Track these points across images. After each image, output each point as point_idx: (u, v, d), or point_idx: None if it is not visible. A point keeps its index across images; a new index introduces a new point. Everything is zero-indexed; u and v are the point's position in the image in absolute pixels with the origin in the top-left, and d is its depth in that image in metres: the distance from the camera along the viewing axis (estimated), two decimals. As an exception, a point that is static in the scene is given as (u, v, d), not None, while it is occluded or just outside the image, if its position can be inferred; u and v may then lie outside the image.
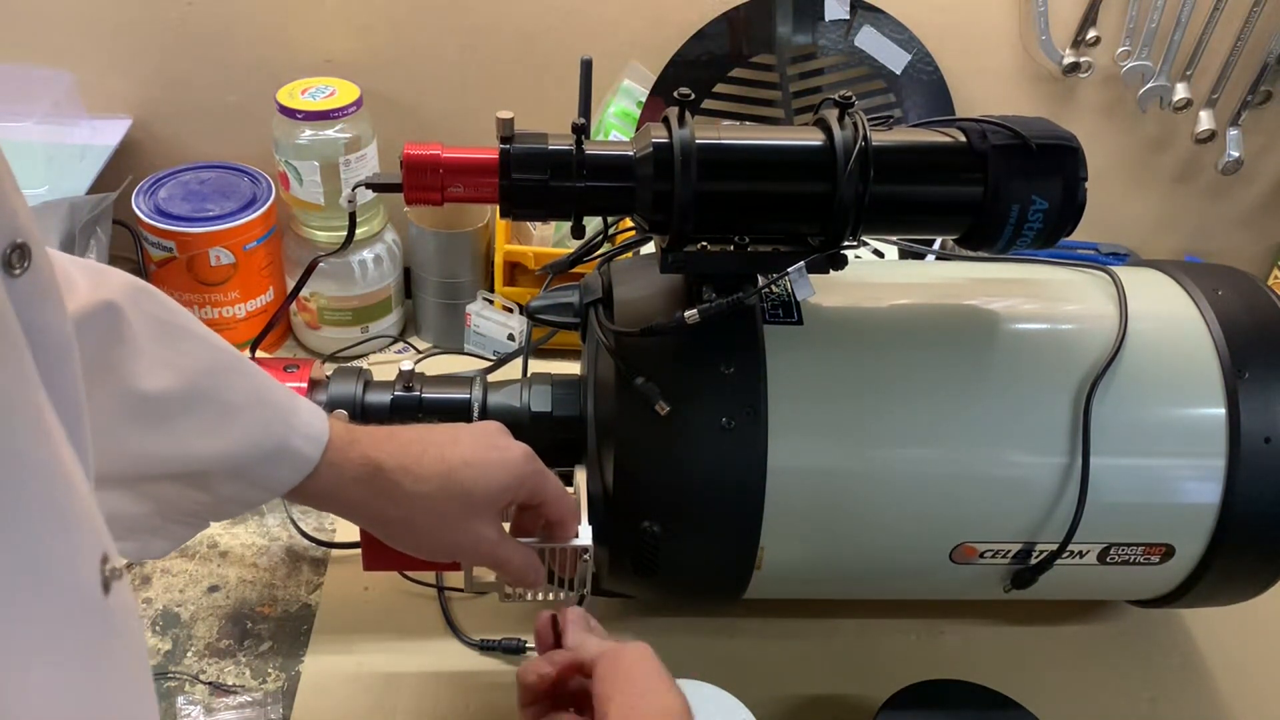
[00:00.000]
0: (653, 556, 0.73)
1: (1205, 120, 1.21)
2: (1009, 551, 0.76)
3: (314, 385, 0.77)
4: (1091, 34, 1.16)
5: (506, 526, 0.71)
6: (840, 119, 0.68)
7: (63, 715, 0.33)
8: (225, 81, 1.16)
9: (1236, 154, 1.22)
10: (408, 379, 0.79)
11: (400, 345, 1.19)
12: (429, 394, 0.78)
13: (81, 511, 0.35)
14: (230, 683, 0.80)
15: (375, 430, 0.64)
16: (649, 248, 0.79)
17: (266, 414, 0.58)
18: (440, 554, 0.66)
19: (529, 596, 0.74)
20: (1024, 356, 0.76)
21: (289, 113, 1.05)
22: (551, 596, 0.74)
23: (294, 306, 1.15)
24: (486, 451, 0.66)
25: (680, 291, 0.74)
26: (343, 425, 0.62)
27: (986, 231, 0.69)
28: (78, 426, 0.37)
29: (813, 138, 0.69)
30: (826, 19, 1.15)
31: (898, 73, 1.17)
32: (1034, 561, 0.76)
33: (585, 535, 0.72)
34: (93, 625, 0.35)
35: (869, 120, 0.68)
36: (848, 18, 1.15)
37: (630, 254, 0.83)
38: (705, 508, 0.72)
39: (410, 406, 0.77)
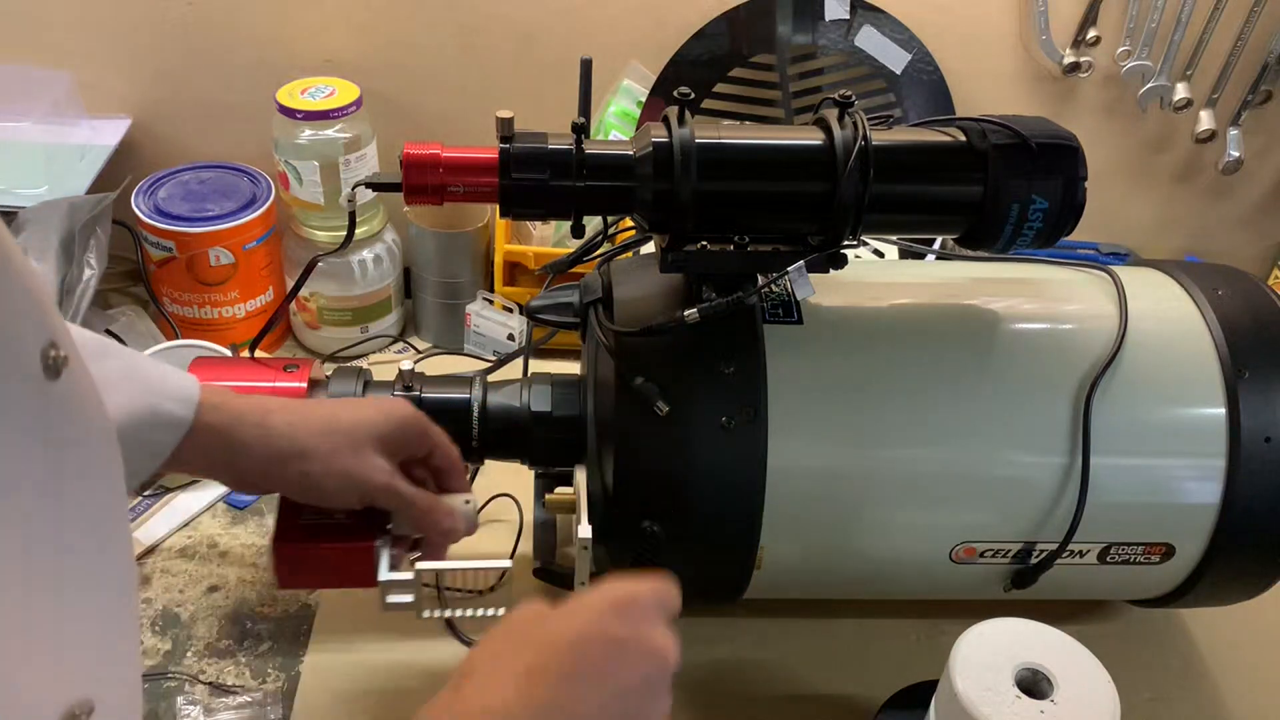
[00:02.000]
0: (653, 556, 0.73)
1: (1205, 120, 1.21)
2: (1009, 551, 0.76)
3: (314, 385, 0.77)
4: (1091, 34, 1.16)
5: None
6: (840, 119, 0.69)
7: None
8: (225, 81, 1.16)
9: (1237, 154, 1.22)
10: (408, 379, 0.79)
11: (400, 345, 1.19)
12: (429, 394, 0.78)
13: (20, 293, 0.35)
14: (230, 683, 0.80)
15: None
16: (649, 247, 0.79)
17: (135, 386, 0.59)
18: (341, 484, 0.64)
19: (452, 614, 0.72)
20: (1024, 356, 0.76)
21: (289, 113, 1.05)
22: (475, 613, 0.72)
23: (294, 306, 1.15)
24: (365, 403, 0.68)
25: (680, 291, 0.74)
26: (219, 387, 0.63)
27: (986, 231, 0.69)
28: None
29: (813, 137, 0.69)
30: (826, 19, 1.15)
31: (898, 73, 1.17)
32: (1034, 561, 0.76)
33: (585, 530, 0.72)
34: (36, 409, 0.35)
35: (869, 120, 0.68)
36: (848, 17, 1.15)
37: (630, 254, 0.82)
38: (705, 508, 0.72)
39: (410, 406, 0.77)
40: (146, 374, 0.60)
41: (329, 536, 0.67)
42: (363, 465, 0.64)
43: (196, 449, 0.61)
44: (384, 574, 0.69)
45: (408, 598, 0.70)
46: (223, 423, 0.62)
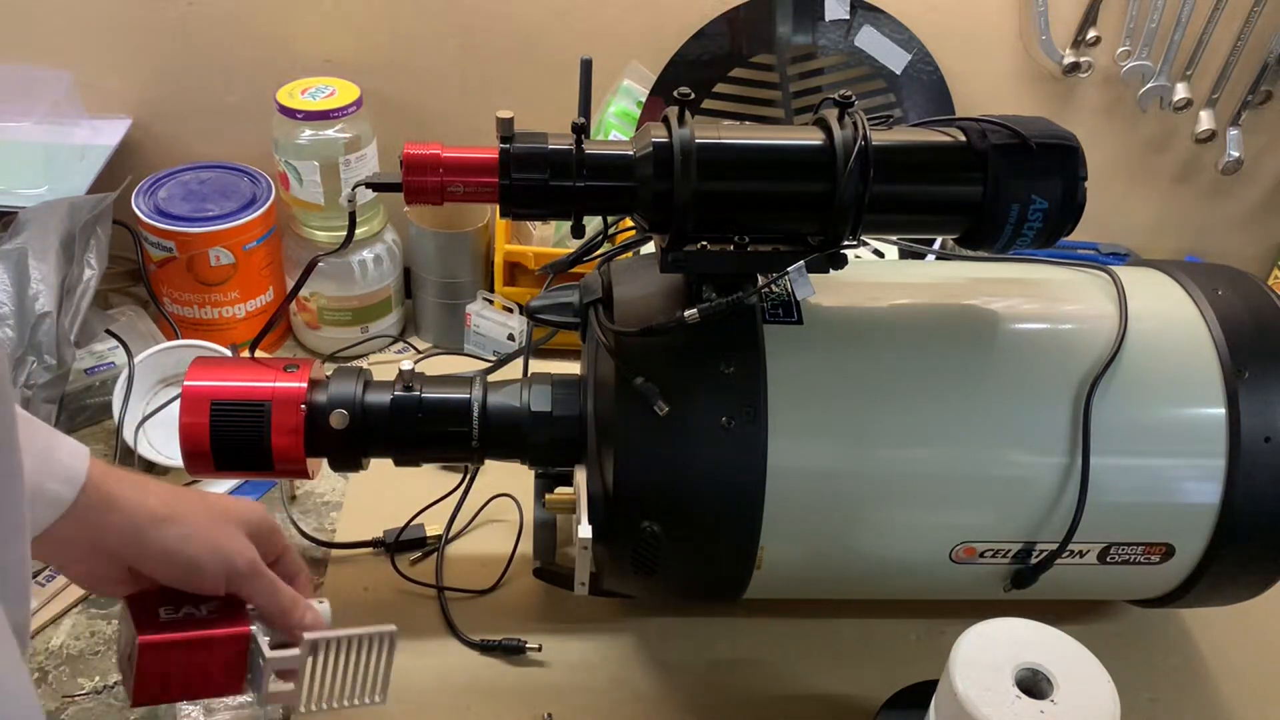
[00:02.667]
0: (653, 556, 0.73)
1: (1205, 120, 1.21)
2: (1009, 551, 0.76)
3: (314, 385, 0.77)
4: (1091, 34, 1.16)
5: None
6: (840, 119, 0.69)
7: None
8: (225, 81, 1.16)
9: (1236, 154, 1.22)
10: (408, 379, 0.79)
11: (400, 345, 1.19)
12: (429, 394, 0.78)
13: None
14: (230, 683, 0.80)
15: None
16: (649, 248, 0.79)
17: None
18: (213, 557, 0.62)
19: (331, 705, 0.64)
20: (1024, 356, 0.76)
21: (289, 113, 1.05)
22: (354, 702, 0.64)
23: (294, 306, 1.15)
24: (229, 498, 0.68)
25: (680, 291, 0.74)
26: (102, 464, 0.62)
27: (986, 231, 0.69)
28: None
29: (813, 137, 0.69)
30: (826, 19, 1.15)
31: (898, 73, 1.17)
32: (1034, 561, 0.76)
33: (585, 530, 0.72)
34: None
35: (869, 120, 0.68)
36: (848, 18, 1.15)
37: (630, 254, 0.82)
38: (705, 508, 0.72)
39: (410, 406, 0.77)
40: (37, 450, 0.58)
41: (198, 625, 0.61)
42: (234, 541, 0.63)
43: (70, 521, 0.59)
44: (268, 652, 0.62)
45: (289, 686, 0.63)
46: (101, 494, 0.60)
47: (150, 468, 0.97)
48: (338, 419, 0.76)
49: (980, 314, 0.78)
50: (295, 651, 0.62)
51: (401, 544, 0.92)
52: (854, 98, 0.69)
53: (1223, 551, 0.76)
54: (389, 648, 0.64)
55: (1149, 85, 1.19)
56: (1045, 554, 0.75)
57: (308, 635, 0.62)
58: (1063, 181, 0.68)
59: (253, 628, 0.63)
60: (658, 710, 0.81)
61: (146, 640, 0.60)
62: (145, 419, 0.99)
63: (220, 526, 0.64)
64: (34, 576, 0.89)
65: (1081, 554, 0.76)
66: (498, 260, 1.14)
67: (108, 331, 1.04)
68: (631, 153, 0.69)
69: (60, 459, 0.60)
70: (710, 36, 1.15)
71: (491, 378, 0.82)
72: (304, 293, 1.11)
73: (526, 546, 0.92)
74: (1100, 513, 0.74)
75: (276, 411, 0.75)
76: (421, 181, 0.68)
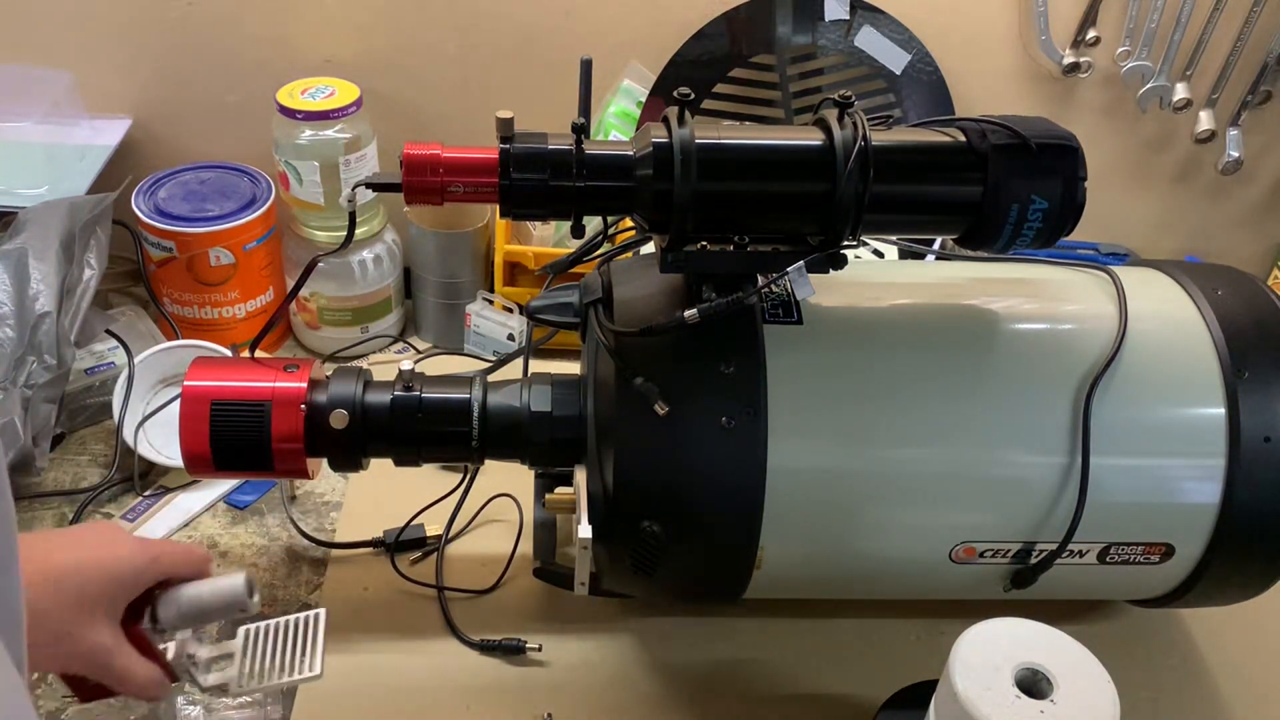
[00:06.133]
0: (653, 556, 0.73)
1: (1205, 120, 1.21)
2: (1009, 551, 0.76)
3: (314, 385, 0.77)
4: (1091, 34, 1.16)
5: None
6: (840, 119, 0.69)
7: None
8: (225, 81, 1.16)
9: (1236, 154, 1.22)
10: (408, 379, 0.79)
11: (400, 345, 1.19)
12: (429, 394, 0.78)
13: None
14: (230, 683, 0.80)
15: None
16: (649, 248, 0.79)
17: None
18: (54, 660, 0.62)
19: (265, 684, 0.69)
20: (1024, 356, 0.76)
21: (289, 113, 1.05)
22: (292, 676, 0.68)
23: (294, 306, 1.15)
24: (97, 550, 0.63)
25: (680, 291, 0.74)
26: None
27: (986, 231, 0.69)
28: None
29: (813, 137, 0.69)
30: (826, 19, 1.15)
31: (898, 73, 1.17)
32: (1034, 561, 0.76)
33: (585, 530, 0.72)
34: None
35: (869, 120, 0.68)
36: (848, 18, 1.15)
37: (630, 254, 0.82)
38: (705, 508, 0.72)
39: (410, 406, 0.77)
40: None
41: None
42: (84, 646, 0.61)
43: None
44: (203, 652, 0.68)
45: (227, 677, 0.68)
46: None
47: (150, 468, 0.98)
48: (338, 419, 0.76)
49: (980, 314, 0.78)
50: (230, 648, 0.68)
51: (401, 544, 0.92)
52: (854, 98, 0.69)
53: (1223, 551, 0.76)
54: (317, 625, 0.69)
55: (1149, 85, 1.19)
56: (1045, 554, 0.75)
57: (241, 628, 0.68)
58: (1063, 181, 0.68)
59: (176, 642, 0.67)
60: (658, 710, 0.81)
61: (70, 679, 0.64)
62: (145, 419, 1.00)
63: (69, 624, 0.60)
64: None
65: (1081, 554, 0.76)
66: (498, 260, 1.14)
67: (108, 331, 1.04)
68: (631, 153, 0.69)
69: None
70: (710, 36, 1.15)
71: (491, 378, 0.82)
72: (304, 293, 1.11)
73: (526, 546, 0.92)
74: (1100, 513, 0.74)
75: (276, 411, 0.76)
76: (421, 181, 0.68)
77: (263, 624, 0.69)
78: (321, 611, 0.69)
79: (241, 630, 0.68)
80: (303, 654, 0.69)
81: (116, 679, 0.63)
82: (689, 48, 1.15)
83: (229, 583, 0.68)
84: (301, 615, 0.69)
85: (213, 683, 0.68)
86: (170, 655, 0.67)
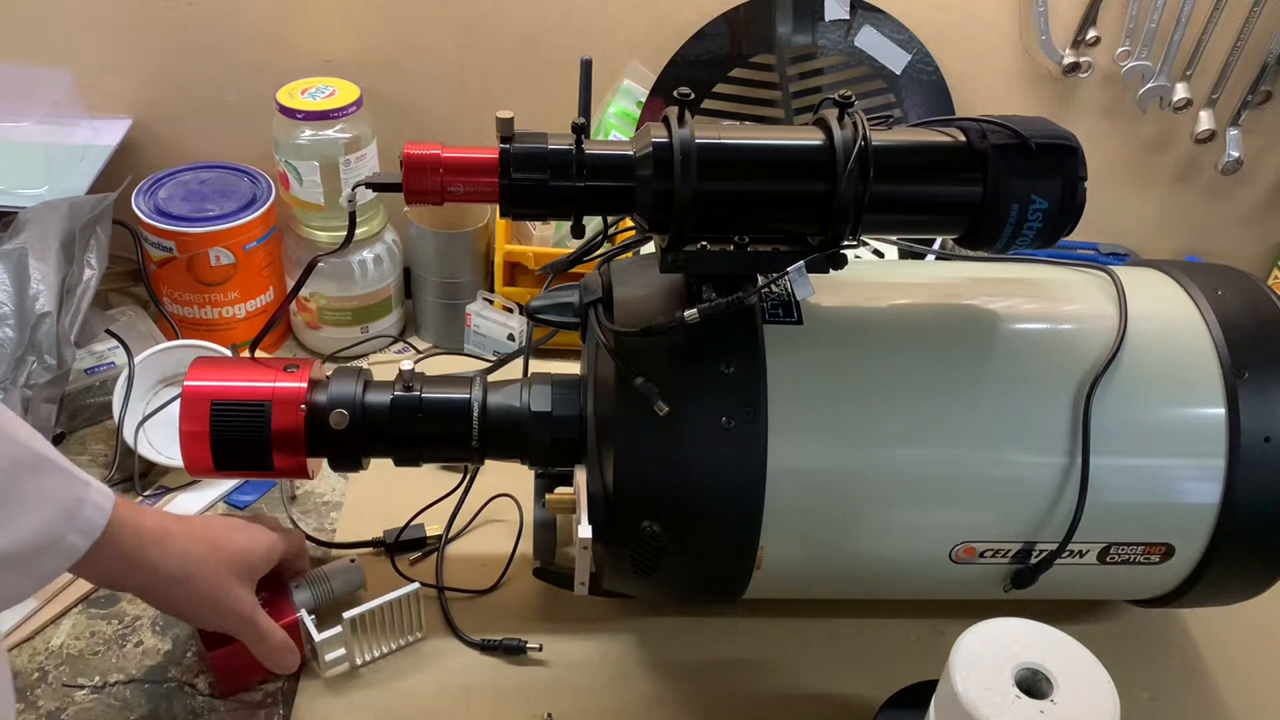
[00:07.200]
0: (653, 556, 0.73)
1: (1205, 120, 1.21)
2: (1009, 551, 0.76)
3: (314, 385, 0.77)
4: (1091, 34, 1.16)
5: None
6: (840, 119, 0.68)
7: None
8: (225, 81, 1.16)
9: (1236, 154, 1.22)
10: (408, 379, 0.79)
11: (400, 345, 1.19)
12: (429, 394, 0.78)
13: None
14: (230, 683, 0.80)
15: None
16: (649, 248, 0.79)
17: (51, 512, 0.60)
18: (213, 613, 0.73)
19: (378, 655, 0.83)
20: (1024, 356, 0.76)
21: (289, 113, 1.05)
22: (398, 644, 0.83)
23: (294, 306, 1.15)
24: (237, 529, 0.77)
25: (680, 291, 0.74)
26: (129, 506, 0.67)
27: (986, 231, 0.69)
28: None
29: (813, 137, 0.69)
30: (826, 19, 1.15)
31: (898, 73, 1.17)
32: (1034, 561, 0.76)
33: (585, 530, 0.72)
34: None
35: (869, 120, 0.68)
36: (848, 18, 1.15)
37: (630, 254, 0.83)
38: (705, 508, 0.72)
39: (410, 406, 0.77)
40: (64, 500, 0.61)
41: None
42: (233, 598, 0.73)
43: (85, 566, 0.64)
44: (317, 635, 0.77)
45: (341, 651, 0.79)
46: (118, 549, 0.65)
47: (150, 468, 0.97)
48: (338, 419, 0.76)
49: (980, 314, 0.78)
50: (338, 630, 0.78)
51: (401, 544, 0.92)
52: (854, 98, 0.69)
53: (1223, 551, 0.76)
54: (414, 599, 0.81)
55: (1149, 85, 1.19)
56: (1045, 554, 0.75)
57: (346, 614, 0.78)
58: (1063, 181, 0.68)
59: (299, 614, 0.78)
60: (657, 710, 0.81)
61: (215, 656, 0.76)
62: (145, 419, 0.99)
63: (224, 583, 0.73)
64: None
65: (1081, 554, 0.76)
66: (498, 260, 1.14)
67: (108, 331, 1.04)
68: (631, 153, 0.69)
69: (85, 514, 0.63)
70: (710, 36, 1.15)
71: (491, 378, 0.82)
72: (304, 293, 1.11)
73: (526, 546, 0.92)
74: (1100, 513, 0.74)
75: (276, 411, 0.76)
76: (421, 181, 0.68)
77: (364, 610, 0.79)
78: (415, 585, 0.81)
79: (346, 617, 0.78)
80: (404, 623, 0.82)
81: (260, 636, 0.75)
82: (689, 48, 1.15)
83: (348, 567, 0.84)
84: (399, 592, 0.80)
85: (330, 658, 0.79)
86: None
